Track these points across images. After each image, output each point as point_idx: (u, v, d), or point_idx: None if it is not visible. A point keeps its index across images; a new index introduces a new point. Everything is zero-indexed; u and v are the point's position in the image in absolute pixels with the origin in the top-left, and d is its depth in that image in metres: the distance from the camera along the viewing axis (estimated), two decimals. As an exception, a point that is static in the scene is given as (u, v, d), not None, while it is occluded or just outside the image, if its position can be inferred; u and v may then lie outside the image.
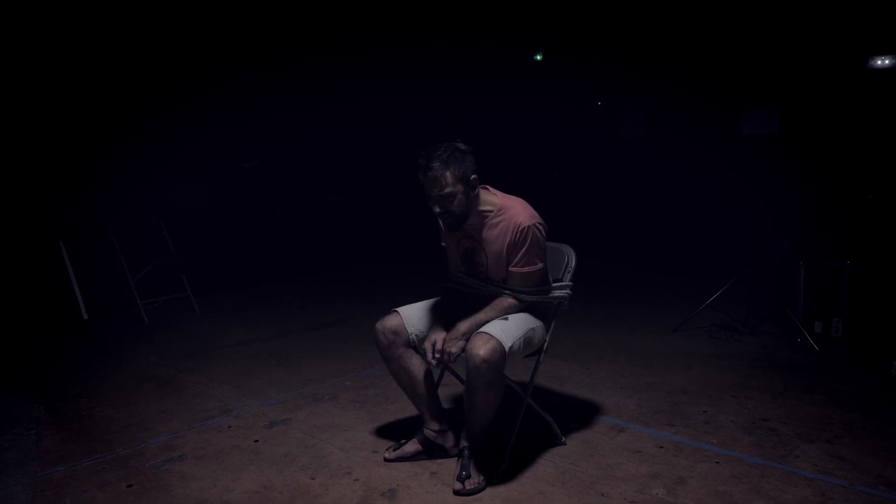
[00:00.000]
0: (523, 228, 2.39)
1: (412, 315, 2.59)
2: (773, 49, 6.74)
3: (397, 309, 2.61)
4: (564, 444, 2.74)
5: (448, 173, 2.32)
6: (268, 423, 3.04)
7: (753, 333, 4.47)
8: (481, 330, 2.33)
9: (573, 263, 2.73)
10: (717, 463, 2.58)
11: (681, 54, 7.67)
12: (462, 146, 2.39)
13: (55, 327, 4.82)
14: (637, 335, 4.52)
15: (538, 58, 9.13)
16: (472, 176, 2.38)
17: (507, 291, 2.49)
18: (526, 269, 2.45)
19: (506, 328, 2.36)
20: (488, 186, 2.53)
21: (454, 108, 8.94)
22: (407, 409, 3.12)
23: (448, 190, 2.34)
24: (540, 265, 2.48)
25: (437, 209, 2.41)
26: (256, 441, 2.83)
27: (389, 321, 2.55)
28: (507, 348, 2.28)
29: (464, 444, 2.47)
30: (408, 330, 2.55)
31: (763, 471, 2.51)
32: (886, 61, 6.03)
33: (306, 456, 2.68)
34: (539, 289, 2.53)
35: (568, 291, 2.64)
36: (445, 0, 7.66)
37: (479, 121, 9.24)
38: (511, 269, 2.47)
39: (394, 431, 2.87)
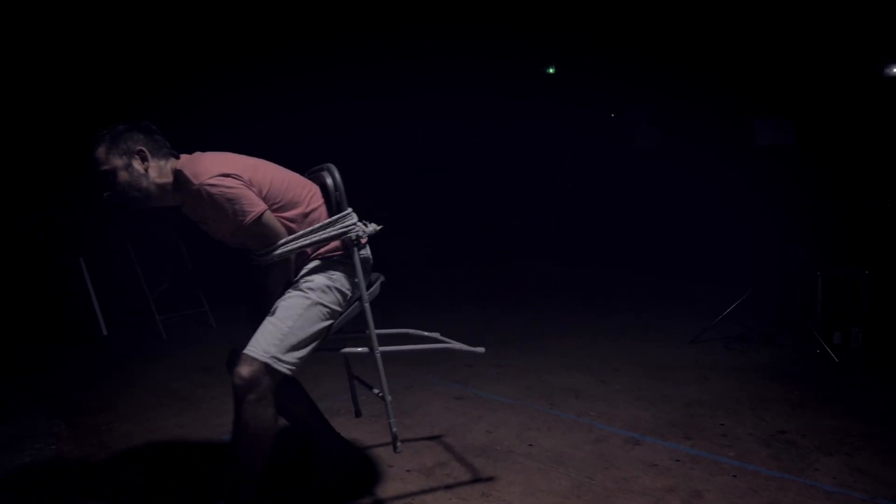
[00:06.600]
0: (194, 191, 2.00)
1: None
2: (788, 57, 6.72)
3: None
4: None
5: (101, 149, 2.07)
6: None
7: (770, 344, 4.43)
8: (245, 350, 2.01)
9: (338, 183, 2.23)
10: (735, 476, 2.55)
11: (693, 63, 7.67)
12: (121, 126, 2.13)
13: (72, 338, 4.88)
14: (653, 346, 4.49)
15: (551, 71, 9.16)
16: (138, 148, 2.08)
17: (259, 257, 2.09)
18: (241, 231, 2.03)
19: (266, 332, 2.03)
20: (175, 152, 2.17)
21: (460, 113, 8.98)
22: (423, 423, 3.13)
23: (105, 168, 2.06)
24: (252, 214, 1.99)
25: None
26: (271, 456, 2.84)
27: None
28: (268, 361, 1.97)
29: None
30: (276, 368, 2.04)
31: (781, 484, 2.48)
32: (902, 69, 6.01)
33: (322, 470, 2.69)
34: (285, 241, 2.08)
35: (351, 225, 2.13)
36: (458, 4, 7.69)
37: (486, 125, 9.28)
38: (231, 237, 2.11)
39: (409, 446, 2.87)
